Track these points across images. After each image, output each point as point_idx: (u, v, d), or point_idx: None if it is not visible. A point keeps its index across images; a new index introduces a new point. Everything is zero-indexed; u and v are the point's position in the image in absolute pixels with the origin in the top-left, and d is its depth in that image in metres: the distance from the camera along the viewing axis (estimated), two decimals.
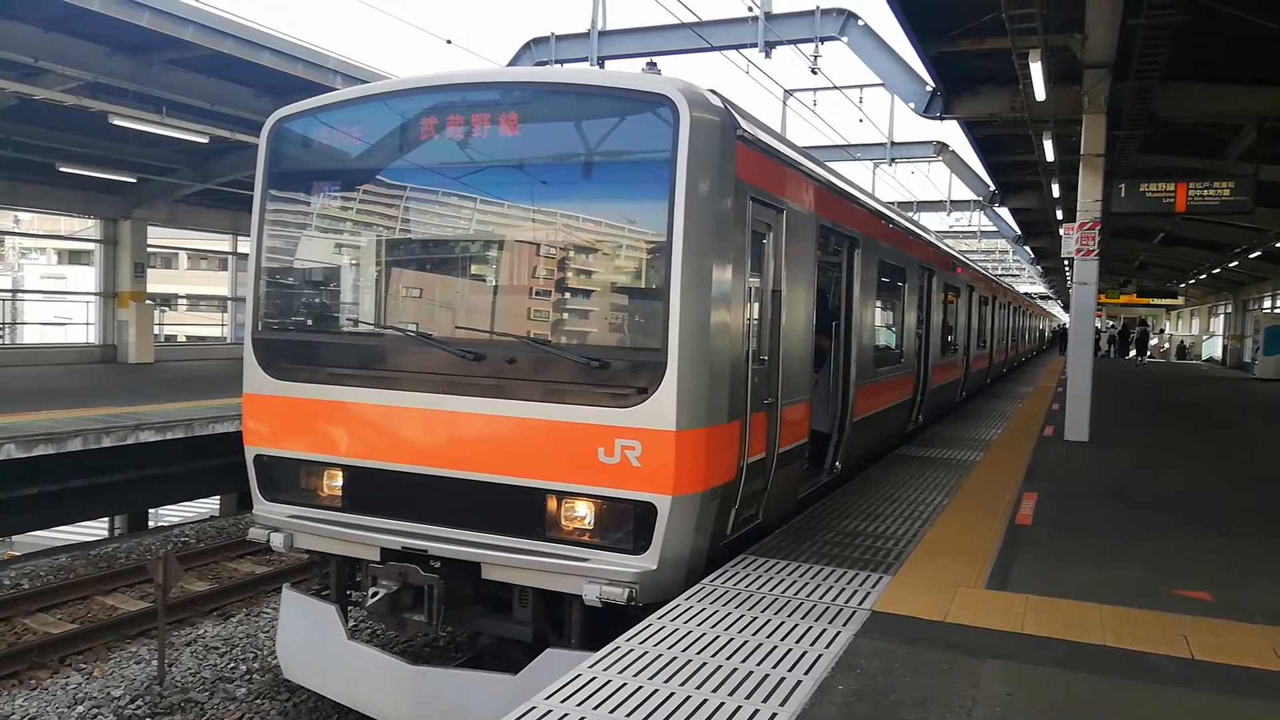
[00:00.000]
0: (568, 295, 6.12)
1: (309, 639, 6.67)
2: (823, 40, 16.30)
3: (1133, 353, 44.35)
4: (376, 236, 6.81)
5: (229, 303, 29.21)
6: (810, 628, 4.98)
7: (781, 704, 4.01)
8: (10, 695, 7.61)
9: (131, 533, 14.38)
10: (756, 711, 3.92)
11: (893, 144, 25.85)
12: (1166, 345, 55.71)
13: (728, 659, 4.49)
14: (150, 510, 16.05)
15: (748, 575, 5.91)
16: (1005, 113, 15.98)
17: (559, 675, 4.29)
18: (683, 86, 5.60)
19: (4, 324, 27.32)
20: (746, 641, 4.74)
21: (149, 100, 15.08)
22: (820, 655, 4.58)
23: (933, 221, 34.39)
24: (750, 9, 16.20)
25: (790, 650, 4.63)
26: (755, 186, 6.17)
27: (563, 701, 3.98)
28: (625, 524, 5.51)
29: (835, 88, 20.44)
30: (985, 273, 23.25)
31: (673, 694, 4.08)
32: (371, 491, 6.24)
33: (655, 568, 5.45)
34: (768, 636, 4.82)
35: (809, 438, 7.78)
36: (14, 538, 15.43)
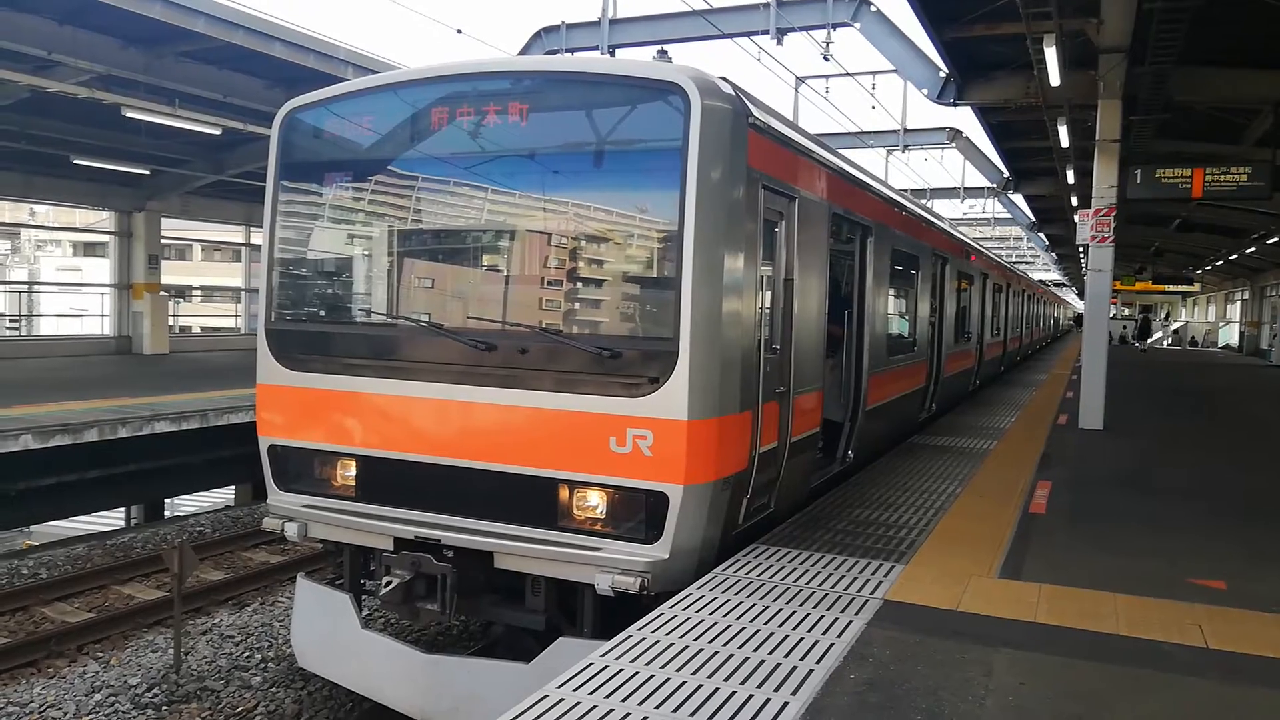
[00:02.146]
0: (579, 285, 6.11)
1: (323, 628, 6.71)
2: (835, 26, 16.17)
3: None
4: (388, 227, 6.81)
5: (242, 294, 29.35)
6: (822, 617, 4.98)
7: (793, 693, 4.01)
8: (29, 683, 7.69)
9: (147, 522, 14.49)
10: (768, 700, 3.92)
11: (906, 131, 25.68)
12: (1177, 333, 55.45)
13: (739, 648, 4.50)
14: (166, 500, 16.18)
15: (759, 564, 5.91)
16: (1019, 98, 15.84)
17: (571, 664, 4.30)
18: (694, 74, 5.58)
19: (21, 316, 27.52)
20: (758, 630, 4.74)
21: (161, 92, 15.13)
22: (832, 644, 4.58)
23: (946, 208, 34.27)
24: None
25: (802, 639, 4.63)
26: (767, 174, 6.14)
27: (575, 690, 3.99)
28: (637, 513, 5.52)
29: (848, 74, 20.30)
30: (999, 260, 23.11)
31: (684, 682, 4.08)
32: (385, 481, 6.26)
33: (667, 557, 5.45)
34: (779, 625, 4.82)
35: (821, 427, 7.76)
36: (32, 528, 15.57)
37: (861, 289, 8.98)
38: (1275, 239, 29.99)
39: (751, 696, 3.95)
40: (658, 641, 4.56)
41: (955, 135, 25.63)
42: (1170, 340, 54.24)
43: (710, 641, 4.57)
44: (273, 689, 7.74)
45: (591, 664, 4.28)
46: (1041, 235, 42.39)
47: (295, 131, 6.84)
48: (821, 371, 7.65)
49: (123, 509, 16.30)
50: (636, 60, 7.34)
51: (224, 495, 17.70)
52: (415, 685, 6.17)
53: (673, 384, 5.36)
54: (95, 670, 7.93)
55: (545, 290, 6.22)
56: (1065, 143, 17.45)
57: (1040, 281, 47.59)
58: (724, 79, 5.85)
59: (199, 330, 35.03)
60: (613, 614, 5.65)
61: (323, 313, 7.23)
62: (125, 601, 9.63)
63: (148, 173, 21.01)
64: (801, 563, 5.99)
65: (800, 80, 21.68)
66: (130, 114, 14.77)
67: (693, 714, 3.79)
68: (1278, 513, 8.31)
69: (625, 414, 5.46)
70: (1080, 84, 13.83)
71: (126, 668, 7.99)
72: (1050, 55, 12.23)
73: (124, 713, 7.22)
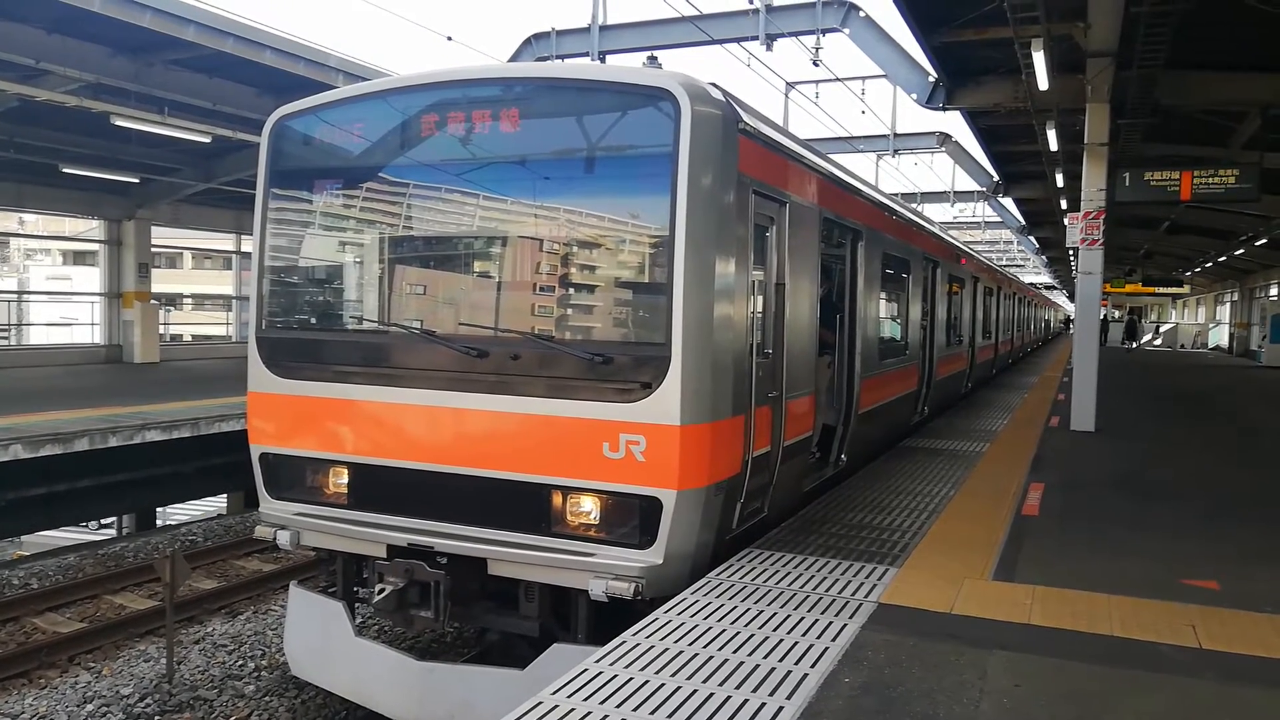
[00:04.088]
0: (571, 291, 6.11)
1: (316, 636, 6.68)
2: (824, 32, 16.25)
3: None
4: (379, 234, 6.80)
5: (233, 302, 29.27)
6: (816, 621, 4.98)
7: (788, 697, 4.01)
8: (20, 694, 7.64)
9: (139, 532, 14.43)
10: (763, 705, 3.92)
11: (895, 135, 25.78)
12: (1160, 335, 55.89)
13: (734, 652, 4.49)
14: (158, 509, 16.11)
15: (753, 569, 5.90)
16: (1008, 103, 15.93)
17: (566, 670, 4.29)
18: (684, 80, 5.59)
19: (10, 325, 27.39)
20: (753, 635, 4.74)
21: (151, 100, 15.11)
22: (827, 648, 4.58)
23: (936, 213, 34.33)
24: (751, 1, 16.16)
25: (797, 643, 4.63)
26: (757, 179, 6.15)
27: (569, 696, 3.98)
28: (631, 519, 5.51)
29: (837, 79, 20.37)
30: (989, 263, 23.19)
31: (679, 688, 4.08)
32: (377, 488, 6.24)
33: (661, 562, 5.45)
34: (774, 630, 4.82)
35: (814, 431, 7.77)
36: (23, 538, 15.51)
37: (853, 293, 9.00)
38: (1263, 241, 30.17)
39: (746, 701, 3.95)
40: (652, 647, 4.56)
41: (945, 139, 25.73)
42: (1160, 341, 54.53)
43: (705, 646, 4.57)
44: (266, 697, 7.71)
45: (586, 670, 4.27)
46: (1031, 238, 42.58)
47: (285, 139, 6.83)
48: (814, 376, 7.66)
49: (114, 518, 16.25)
50: (627, 66, 7.36)
51: (216, 503, 17.66)
52: (409, 693, 6.15)
53: (665, 389, 5.37)
54: (87, 680, 7.88)
55: (537, 296, 6.22)
56: (1054, 146, 17.55)
57: (1031, 284, 47.76)
58: (714, 84, 5.86)
59: (190, 338, 34.89)
60: (607, 620, 5.64)
61: (314, 320, 7.21)
62: (117, 611, 9.58)
63: (137, 181, 20.95)
64: (795, 566, 5.99)
65: (790, 85, 21.75)
66: (120, 122, 14.74)
67: (688, 719, 3.78)
68: (1270, 513, 8.34)
69: (618, 419, 5.46)
70: (1068, 88, 13.91)
71: (119, 678, 7.95)
72: (1038, 59, 12.29)
73: None
